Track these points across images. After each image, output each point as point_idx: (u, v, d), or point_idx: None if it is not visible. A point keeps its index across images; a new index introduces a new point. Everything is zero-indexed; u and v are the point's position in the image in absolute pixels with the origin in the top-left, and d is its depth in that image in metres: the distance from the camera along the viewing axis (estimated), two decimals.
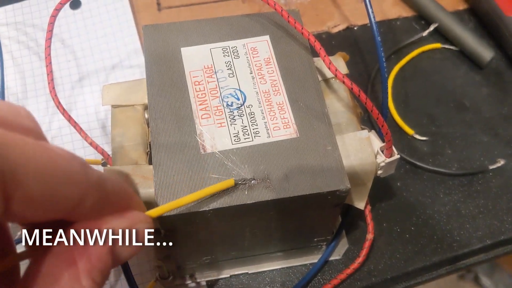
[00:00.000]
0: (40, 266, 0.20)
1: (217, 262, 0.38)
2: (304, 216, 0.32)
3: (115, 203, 0.22)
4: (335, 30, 0.54)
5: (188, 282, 0.39)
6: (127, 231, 0.22)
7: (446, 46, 0.53)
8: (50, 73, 0.39)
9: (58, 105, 0.37)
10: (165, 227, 0.30)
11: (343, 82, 0.31)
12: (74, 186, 0.19)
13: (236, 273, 0.39)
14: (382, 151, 0.33)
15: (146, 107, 0.35)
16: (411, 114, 0.49)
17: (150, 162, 0.33)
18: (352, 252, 0.40)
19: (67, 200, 0.19)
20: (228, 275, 0.39)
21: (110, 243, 0.21)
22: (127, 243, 0.22)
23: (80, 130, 0.37)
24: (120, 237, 0.22)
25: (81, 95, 0.48)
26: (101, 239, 0.21)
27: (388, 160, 0.33)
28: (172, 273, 0.38)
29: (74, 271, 0.20)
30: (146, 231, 0.23)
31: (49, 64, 0.39)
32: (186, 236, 0.32)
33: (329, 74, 0.36)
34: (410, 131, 0.47)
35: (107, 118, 0.46)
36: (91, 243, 0.21)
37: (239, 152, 0.30)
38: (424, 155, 0.46)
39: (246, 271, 0.39)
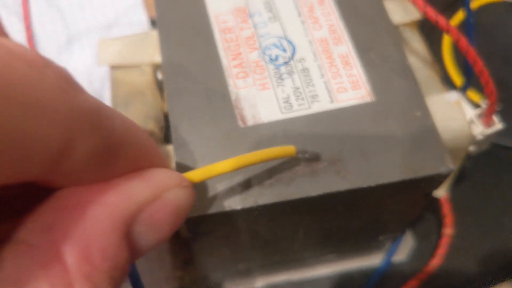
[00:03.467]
0: (1, 273, 0.11)
1: (252, 269, 0.30)
2: (380, 210, 0.24)
3: (127, 155, 0.13)
4: None
5: None
6: (152, 203, 0.13)
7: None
8: (31, 38, 0.30)
9: None
10: (195, 229, 0.21)
11: (447, 30, 0.21)
12: (49, 119, 0.10)
13: (275, 281, 0.31)
14: (478, 119, 0.25)
15: (156, 68, 0.26)
16: (476, 79, 0.40)
17: (167, 141, 0.24)
18: (419, 252, 0.32)
19: (40, 144, 0.10)
20: (266, 284, 0.31)
21: (124, 223, 0.12)
22: (152, 224, 0.13)
23: None
24: (141, 213, 0.13)
25: (70, 61, 0.39)
26: (107, 217, 0.12)
27: (487, 131, 0.24)
28: (195, 284, 0.30)
29: (59, 274, 0.11)
30: (184, 202, 0.14)
31: (29, 27, 0.30)
32: (220, 241, 0.23)
33: (397, 19, 0.27)
34: (477, 98, 0.38)
35: (104, 88, 0.37)
36: (90, 224, 0.12)
37: (293, 124, 0.21)
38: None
39: (288, 278, 0.31)
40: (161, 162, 0.15)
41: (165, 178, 0.14)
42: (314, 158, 0.20)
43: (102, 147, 0.12)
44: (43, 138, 0.10)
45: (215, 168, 0.17)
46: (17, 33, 0.40)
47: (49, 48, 0.39)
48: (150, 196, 0.13)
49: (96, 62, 0.26)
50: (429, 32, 0.41)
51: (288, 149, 0.19)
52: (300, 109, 0.22)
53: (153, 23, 0.41)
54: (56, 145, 0.10)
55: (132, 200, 0.13)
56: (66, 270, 0.11)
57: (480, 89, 0.38)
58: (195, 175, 0.16)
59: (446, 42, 0.41)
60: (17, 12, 0.41)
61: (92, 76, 0.38)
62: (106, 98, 0.37)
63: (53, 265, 0.11)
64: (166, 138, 0.24)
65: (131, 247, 0.13)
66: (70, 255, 0.11)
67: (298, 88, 0.22)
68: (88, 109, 0.11)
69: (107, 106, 0.12)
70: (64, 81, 0.11)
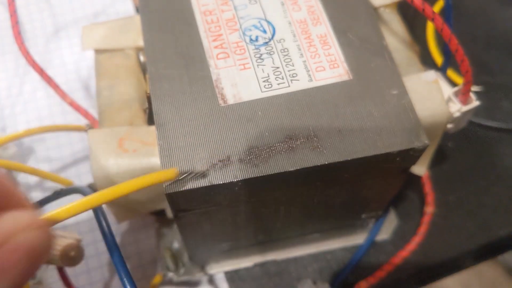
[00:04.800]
0: None
1: (238, 248, 0.30)
2: (359, 187, 0.24)
3: None
4: None
5: (202, 274, 0.31)
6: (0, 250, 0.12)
7: None
8: (16, 24, 0.30)
9: (33, 63, 0.29)
10: (176, 206, 0.21)
11: (432, 18, 0.22)
12: None
13: (261, 260, 0.31)
14: (456, 97, 0.25)
15: (140, 51, 0.26)
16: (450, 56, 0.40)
17: (150, 122, 0.24)
18: (401, 230, 0.33)
19: None
20: (252, 264, 0.31)
21: None
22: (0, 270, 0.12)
23: (55, 87, 0.29)
24: None
25: (57, 50, 0.39)
26: None
27: (465, 108, 0.25)
28: (182, 264, 0.30)
29: None
30: (37, 243, 0.13)
31: (13, 14, 0.30)
32: (203, 218, 0.24)
33: (376, 0, 0.27)
34: (459, 81, 0.39)
35: (91, 77, 0.38)
36: None
37: (272, 102, 0.22)
38: (477, 109, 0.38)
39: (274, 258, 0.31)
40: (15, 202, 0.14)
41: (13, 220, 0.13)
42: (290, 139, 0.21)
43: None
44: None
45: (81, 204, 0.16)
46: (1, 22, 0.40)
47: (36, 37, 0.40)
48: None
49: (81, 47, 0.26)
50: (414, 13, 0.42)
51: (169, 172, 0.19)
52: (279, 88, 0.22)
53: (138, 11, 0.41)
54: None
55: None
56: None
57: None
58: (59, 214, 0.15)
59: (430, 24, 0.42)
60: (2, 1, 0.41)
61: (79, 65, 0.38)
62: (93, 84, 0.37)
63: None
64: (149, 119, 0.25)
65: None
66: None
67: (277, 68, 0.23)
68: None
69: None
70: None
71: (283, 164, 0.20)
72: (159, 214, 0.32)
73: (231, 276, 0.31)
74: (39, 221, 0.14)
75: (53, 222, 0.15)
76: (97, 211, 0.20)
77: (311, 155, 0.21)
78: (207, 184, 0.20)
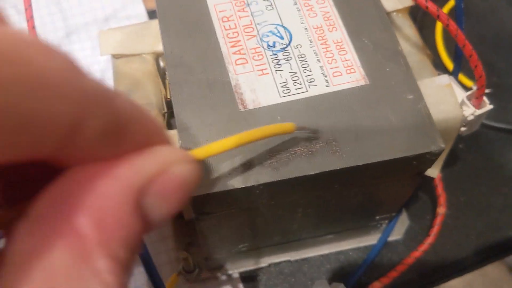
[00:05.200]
0: (16, 245, 0.12)
1: (253, 249, 0.31)
2: (374, 189, 0.25)
3: (134, 133, 0.13)
4: None
5: (218, 274, 0.31)
6: (160, 177, 0.13)
7: None
8: (32, 29, 0.30)
9: None
10: (198, 209, 0.22)
11: (437, 15, 0.22)
12: (60, 98, 0.11)
13: (276, 261, 0.32)
14: (469, 101, 0.26)
15: (157, 56, 0.27)
16: (468, 64, 0.41)
17: (169, 127, 0.25)
18: (413, 231, 0.33)
19: (52, 122, 0.11)
20: (267, 264, 0.32)
21: (135, 195, 0.13)
22: (161, 196, 0.13)
23: None
24: (150, 186, 0.13)
25: (69, 54, 0.39)
26: (119, 189, 0.13)
27: (478, 112, 0.25)
28: (198, 265, 0.31)
29: (78, 246, 0.12)
30: (189, 175, 0.14)
31: (30, 19, 0.30)
32: (223, 221, 0.24)
33: (389, 6, 0.28)
34: (468, 83, 0.39)
35: (104, 80, 0.38)
36: (103, 196, 0.12)
37: (291, 107, 0.22)
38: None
39: (289, 258, 0.32)
40: (166, 140, 0.15)
41: (170, 153, 0.14)
42: (314, 133, 0.21)
43: (110, 125, 0.12)
44: (54, 116, 0.11)
45: (218, 145, 0.18)
46: (17, 24, 0.40)
47: (48, 40, 0.40)
48: (158, 170, 0.13)
49: (99, 52, 0.27)
50: (422, 18, 0.42)
51: (288, 126, 0.20)
52: (297, 93, 0.23)
53: (150, 14, 0.42)
54: (66, 123, 0.11)
55: (142, 173, 0.13)
56: (82, 239, 0.12)
57: (471, 74, 0.39)
58: (199, 152, 0.17)
59: (439, 28, 0.42)
60: (16, 5, 0.41)
61: (92, 68, 0.39)
62: None
63: (69, 234, 0.11)
64: (168, 123, 0.25)
65: (143, 218, 0.13)
66: (85, 225, 0.12)
67: (295, 73, 0.23)
68: (95, 89, 0.12)
69: (112, 90, 0.13)
70: (71, 64, 0.11)
71: (303, 168, 0.21)
72: (174, 215, 0.33)
73: (246, 276, 0.32)
74: (190, 157, 0.15)
75: (197, 158, 0.16)
76: None
77: (331, 159, 0.21)
78: (229, 188, 0.20)
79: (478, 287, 0.75)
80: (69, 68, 0.11)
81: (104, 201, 0.12)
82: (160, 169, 0.13)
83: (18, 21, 0.41)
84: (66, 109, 0.11)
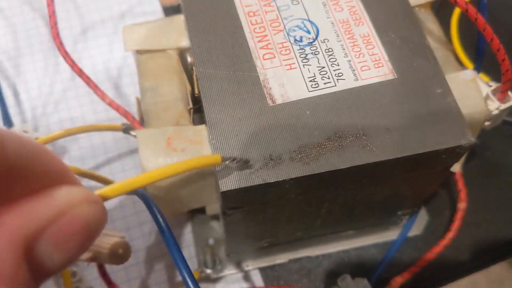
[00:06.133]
0: None
1: (274, 245, 0.31)
2: (401, 184, 0.25)
3: (27, 177, 0.12)
4: None
5: (238, 270, 0.31)
6: (55, 221, 0.12)
7: None
8: (54, 25, 0.30)
9: (72, 63, 0.29)
10: (228, 204, 0.22)
11: (466, 10, 0.22)
12: None
13: (296, 257, 0.32)
14: (494, 95, 0.26)
15: (181, 52, 0.27)
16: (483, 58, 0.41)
17: (195, 122, 0.25)
18: (432, 226, 0.33)
19: None
20: (287, 260, 0.32)
21: (22, 245, 0.12)
22: (56, 242, 0.12)
23: (95, 87, 0.29)
24: (44, 231, 0.12)
25: (85, 50, 0.40)
26: (4, 238, 0.12)
27: (503, 106, 0.26)
28: (219, 261, 0.31)
29: None
30: (92, 217, 0.13)
31: (53, 14, 0.30)
32: (250, 215, 0.24)
33: (412, 0, 0.28)
34: (484, 77, 0.39)
35: (121, 77, 0.38)
36: None
37: (320, 102, 0.22)
38: None
39: (309, 254, 0.32)
40: (70, 179, 0.14)
41: (68, 195, 0.13)
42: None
43: None
44: None
45: (130, 183, 0.17)
46: (29, 22, 0.40)
47: (64, 38, 0.40)
48: (52, 214, 0.12)
49: (123, 48, 0.27)
50: (436, 14, 0.42)
51: (214, 158, 0.20)
52: (326, 87, 0.23)
53: (165, 11, 0.42)
54: None
55: (32, 219, 0.12)
56: None
57: (487, 71, 0.39)
58: (110, 190, 0.15)
59: (454, 24, 0.42)
60: (30, 2, 0.41)
61: (108, 65, 0.39)
62: (123, 84, 0.38)
63: None
64: (194, 119, 0.25)
65: (34, 267, 0.12)
66: None
67: (323, 67, 0.23)
68: None
69: (1, 131, 0.12)
70: None
71: (333, 162, 0.21)
72: (194, 212, 0.33)
73: (266, 272, 0.32)
74: (94, 196, 0.14)
75: (105, 198, 0.15)
76: (153, 208, 0.21)
77: (361, 153, 0.21)
78: (261, 182, 0.20)
79: (481, 284, 0.75)
80: None
81: None
82: (57, 212, 0.12)
83: (33, 18, 0.41)
84: None
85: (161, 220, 0.20)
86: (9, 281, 0.11)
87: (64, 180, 0.14)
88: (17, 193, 0.12)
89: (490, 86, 0.26)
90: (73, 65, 0.29)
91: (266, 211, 0.24)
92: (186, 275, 0.18)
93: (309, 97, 0.22)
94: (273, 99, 0.22)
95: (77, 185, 0.14)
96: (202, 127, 0.23)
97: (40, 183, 0.13)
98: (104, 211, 0.14)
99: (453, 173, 0.30)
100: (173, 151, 0.23)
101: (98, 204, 0.14)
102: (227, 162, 0.20)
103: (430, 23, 0.28)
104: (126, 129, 0.31)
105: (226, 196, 0.21)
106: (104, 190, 0.15)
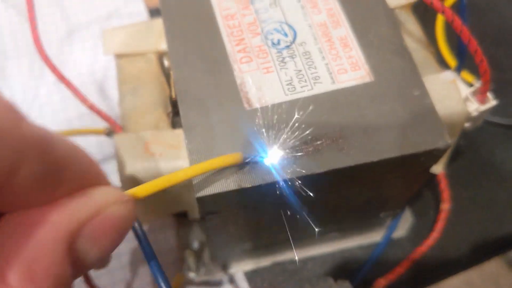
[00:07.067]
0: None
1: (258, 248, 0.31)
2: (380, 186, 0.25)
3: (70, 177, 0.14)
4: None
5: (222, 273, 0.31)
6: (92, 220, 0.14)
7: None
8: (35, 29, 0.30)
9: (53, 68, 0.29)
10: (207, 209, 0.22)
11: (442, 11, 0.22)
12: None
13: (280, 259, 0.32)
14: (473, 97, 0.26)
15: (161, 55, 0.27)
16: (468, 59, 0.41)
17: (173, 126, 0.25)
18: (417, 227, 0.33)
19: None
20: (271, 263, 0.32)
21: (66, 240, 0.13)
22: (93, 239, 0.14)
23: (75, 90, 0.29)
24: (83, 229, 0.14)
25: (71, 53, 0.39)
26: (50, 236, 0.13)
27: (482, 107, 0.26)
28: (203, 264, 0.31)
29: None
30: (124, 216, 0.15)
31: (33, 20, 0.30)
32: (230, 220, 0.24)
33: (392, 2, 0.28)
34: (469, 78, 0.39)
35: (106, 79, 0.38)
36: (36, 245, 0.12)
37: (296, 105, 0.22)
38: None
39: (293, 257, 0.32)
40: (102, 180, 0.15)
41: (104, 195, 0.14)
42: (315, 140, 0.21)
43: (46, 171, 0.12)
44: None
45: (161, 182, 0.17)
46: (15, 25, 0.40)
47: (50, 40, 0.40)
48: (90, 213, 0.14)
49: (102, 52, 0.27)
50: (423, 15, 0.42)
51: (236, 156, 0.20)
52: (303, 91, 0.23)
53: (151, 13, 0.42)
54: (3, 169, 0.11)
55: (74, 217, 0.13)
56: None
57: (473, 70, 0.39)
58: (139, 190, 0.16)
59: (439, 25, 0.42)
60: (16, 5, 0.41)
61: (94, 68, 0.39)
62: (109, 87, 0.38)
63: None
64: (173, 123, 0.25)
65: (75, 262, 0.13)
66: (14, 278, 0.12)
67: (300, 71, 0.23)
68: (33, 136, 0.12)
69: (50, 133, 0.13)
70: (10, 111, 0.12)
71: (309, 166, 0.21)
72: (179, 215, 0.33)
73: (250, 275, 0.32)
74: (125, 196, 0.15)
75: (136, 197, 0.16)
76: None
77: (337, 156, 0.21)
78: (236, 188, 0.20)
79: (475, 281, 0.75)
80: (7, 116, 0.11)
81: (34, 250, 0.12)
82: (94, 211, 0.14)
83: (19, 21, 0.41)
84: (4, 155, 0.11)
85: (137, 225, 0.20)
86: (56, 275, 0.12)
87: (99, 181, 0.15)
88: (62, 192, 0.13)
89: (473, 85, 0.26)
90: (53, 69, 0.29)
91: (245, 215, 0.24)
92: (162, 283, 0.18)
93: (286, 101, 0.22)
94: (250, 103, 0.22)
95: (111, 186, 0.16)
96: (180, 131, 0.23)
97: (80, 183, 0.14)
98: (134, 209, 0.15)
99: (435, 175, 0.30)
100: (151, 156, 0.23)
101: (130, 203, 0.15)
102: (247, 161, 0.20)
103: (411, 24, 0.28)
104: (110, 133, 0.31)
105: (202, 202, 0.21)
106: (135, 190, 0.16)
